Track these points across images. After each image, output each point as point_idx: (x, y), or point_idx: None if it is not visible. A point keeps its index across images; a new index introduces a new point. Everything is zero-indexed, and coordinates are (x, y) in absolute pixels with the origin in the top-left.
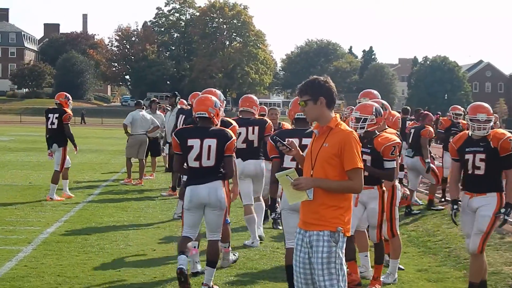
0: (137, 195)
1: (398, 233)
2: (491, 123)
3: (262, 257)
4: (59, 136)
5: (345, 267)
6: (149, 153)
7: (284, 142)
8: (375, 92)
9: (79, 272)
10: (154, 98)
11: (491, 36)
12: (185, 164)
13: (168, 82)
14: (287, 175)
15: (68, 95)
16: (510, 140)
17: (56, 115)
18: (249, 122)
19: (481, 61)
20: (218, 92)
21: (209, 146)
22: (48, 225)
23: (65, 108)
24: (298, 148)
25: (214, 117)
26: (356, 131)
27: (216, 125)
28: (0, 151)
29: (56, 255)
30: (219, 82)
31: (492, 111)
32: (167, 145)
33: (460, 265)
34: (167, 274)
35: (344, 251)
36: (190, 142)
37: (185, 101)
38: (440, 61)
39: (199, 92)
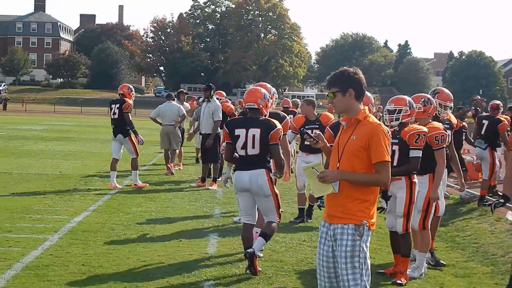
0: (165, 186)
1: (429, 226)
2: None
3: (288, 250)
4: (121, 126)
5: (369, 261)
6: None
7: (312, 135)
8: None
9: (104, 261)
10: (182, 89)
11: None
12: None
13: (202, 74)
14: (313, 168)
15: (131, 86)
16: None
17: (117, 105)
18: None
19: None
20: (269, 85)
21: (253, 136)
22: (75, 214)
23: (127, 98)
24: (325, 140)
25: (263, 108)
26: (390, 123)
27: (265, 115)
28: (33, 140)
29: (82, 245)
30: (253, 74)
31: None
32: (200, 136)
33: (488, 260)
34: (191, 265)
35: (368, 244)
36: (237, 131)
37: (223, 92)
38: (476, 56)
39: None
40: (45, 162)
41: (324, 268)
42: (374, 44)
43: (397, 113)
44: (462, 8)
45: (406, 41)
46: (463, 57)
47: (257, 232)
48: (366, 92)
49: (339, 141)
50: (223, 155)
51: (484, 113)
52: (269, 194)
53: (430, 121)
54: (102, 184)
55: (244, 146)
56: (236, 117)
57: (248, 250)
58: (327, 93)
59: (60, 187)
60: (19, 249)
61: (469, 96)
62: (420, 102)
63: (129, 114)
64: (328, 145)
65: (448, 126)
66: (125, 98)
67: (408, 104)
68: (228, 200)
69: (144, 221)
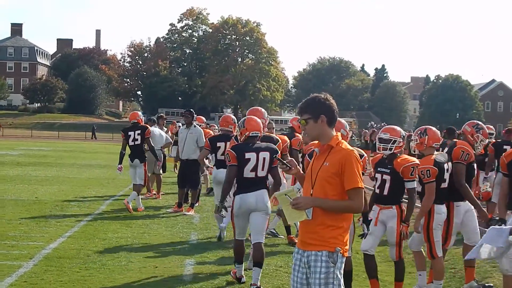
0: (142, 212)
1: (439, 255)
2: None
3: (265, 276)
4: (141, 152)
5: None
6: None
7: (285, 162)
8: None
9: None
10: (162, 114)
11: (504, 56)
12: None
13: (179, 98)
14: (286, 194)
15: (140, 113)
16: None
17: (138, 131)
18: (229, 139)
19: (493, 81)
20: (263, 110)
21: (264, 158)
22: (51, 241)
23: (145, 125)
24: (298, 166)
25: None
26: (382, 151)
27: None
28: (9, 165)
29: (57, 271)
30: (231, 98)
31: None
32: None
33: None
34: None
35: (342, 271)
36: (248, 155)
37: (203, 118)
38: (452, 80)
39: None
40: (21, 188)
41: None
42: (351, 68)
43: (391, 143)
44: (438, 32)
45: (383, 65)
46: (440, 81)
47: None
48: (339, 118)
49: (312, 168)
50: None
51: (494, 140)
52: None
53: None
54: (78, 210)
55: (254, 169)
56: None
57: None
58: (299, 120)
59: (36, 213)
60: None
61: (446, 120)
62: (417, 134)
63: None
64: (301, 172)
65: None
66: (144, 125)
67: (401, 136)
68: (204, 226)
69: (120, 247)
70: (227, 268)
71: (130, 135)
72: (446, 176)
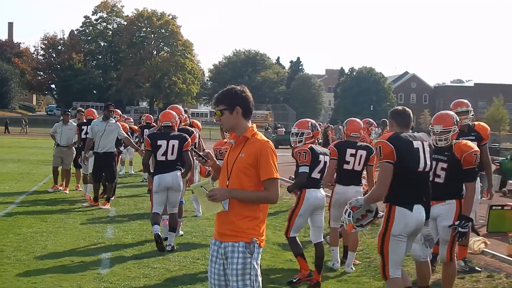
0: (57, 206)
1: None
2: (450, 134)
3: (182, 268)
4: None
5: (260, 278)
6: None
7: (200, 153)
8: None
9: None
10: (80, 108)
11: (416, 48)
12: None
13: (94, 91)
14: (202, 186)
15: (94, 110)
16: (474, 154)
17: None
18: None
19: (406, 73)
20: (181, 108)
21: (173, 145)
22: None
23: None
24: (214, 158)
25: (174, 125)
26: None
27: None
28: None
29: None
30: (146, 91)
31: (454, 120)
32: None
33: (380, 275)
34: (84, 286)
35: (259, 262)
36: (159, 142)
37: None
38: (366, 72)
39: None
40: None
41: (215, 286)
42: (267, 61)
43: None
44: (352, 25)
45: (298, 58)
46: (354, 73)
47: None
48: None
49: (228, 159)
50: None
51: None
52: (181, 189)
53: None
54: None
55: (165, 153)
56: (156, 131)
57: (157, 232)
58: (215, 111)
59: None
60: None
61: (360, 112)
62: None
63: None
64: (217, 163)
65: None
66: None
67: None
68: (121, 219)
69: (36, 242)
70: (144, 262)
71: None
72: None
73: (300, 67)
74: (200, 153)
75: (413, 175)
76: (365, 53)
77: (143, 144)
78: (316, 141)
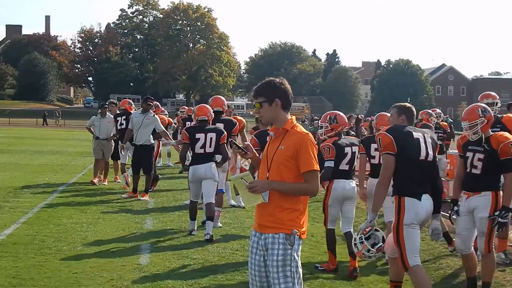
0: (97, 197)
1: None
2: (478, 127)
3: (221, 259)
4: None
5: (300, 270)
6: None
7: (240, 146)
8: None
9: (35, 274)
10: (112, 100)
11: (454, 40)
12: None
13: (131, 84)
14: (242, 178)
15: (130, 101)
16: (511, 144)
17: (125, 117)
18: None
19: (443, 65)
20: (223, 98)
21: (211, 138)
22: (5, 227)
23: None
24: (254, 150)
25: (210, 119)
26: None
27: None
28: None
29: (12, 257)
30: (183, 84)
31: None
32: (132, 147)
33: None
34: (124, 276)
35: (300, 253)
36: (198, 135)
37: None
38: (403, 64)
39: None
40: None
41: (256, 277)
42: (303, 54)
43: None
44: (389, 16)
45: (334, 50)
46: (391, 65)
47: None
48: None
49: (268, 151)
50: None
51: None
52: (217, 180)
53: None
54: (31, 196)
55: (203, 146)
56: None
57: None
58: (254, 103)
59: None
60: None
61: None
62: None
63: None
64: (257, 155)
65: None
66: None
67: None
68: (159, 210)
69: (76, 233)
70: (183, 253)
71: (117, 120)
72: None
73: (336, 60)
74: (240, 146)
75: (417, 164)
76: (401, 45)
77: (180, 135)
78: (346, 131)
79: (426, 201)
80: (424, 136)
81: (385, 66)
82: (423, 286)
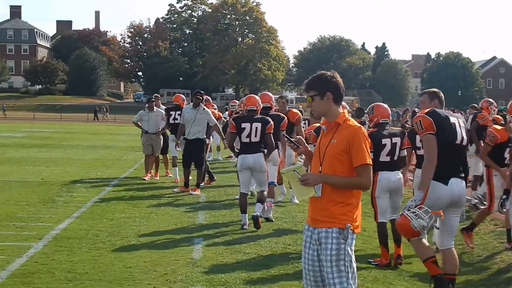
0: (149, 192)
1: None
2: None
3: (273, 254)
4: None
5: (354, 264)
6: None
7: (292, 139)
8: None
9: (89, 268)
10: (157, 95)
11: (505, 33)
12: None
13: (180, 79)
14: (294, 171)
15: (183, 96)
16: None
17: (178, 112)
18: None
19: (494, 58)
20: (271, 94)
21: (256, 128)
22: (59, 221)
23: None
24: (306, 144)
25: (258, 109)
26: None
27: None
28: (13, 147)
29: (66, 251)
30: (232, 78)
31: None
32: (183, 142)
33: (474, 262)
34: (177, 270)
35: (353, 248)
36: (243, 125)
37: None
38: (453, 57)
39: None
40: (27, 169)
41: (310, 272)
42: (352, 47)
43: None
44: (438, 9)
45: (384, 43)
46: (441, 58)
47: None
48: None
49: (320, 145)
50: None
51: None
52: (265, 170)
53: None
54: (84, 191)
55: (249, 136)
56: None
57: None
58: (305, 97)
59: (42, 194)
60: (4, 257)
61: (447, 98)
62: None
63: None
64: (309, 149)
65: None
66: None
67: None
68: (211, 205)
69: (128, 227)
70: (236, 247)
71: (171, 114)
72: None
73: (385, 53)
74: (291, 139)
75: (452, 148)
76: (451, 37)
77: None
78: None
79: (455, 184)
80: (458, 121)
81: (435, 59)
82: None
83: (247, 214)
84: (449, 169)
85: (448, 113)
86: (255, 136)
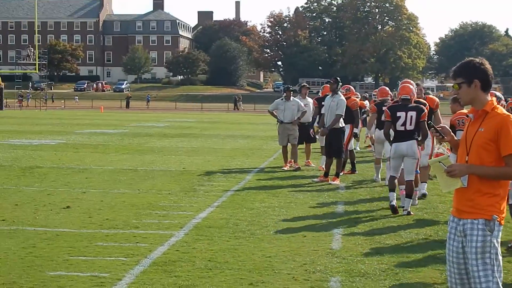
0: (288, 181)
1: None
2: None
3: (414, 245)
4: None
5: (500, 257)
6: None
7: (438, 129)
8: None
9: (229, 257)
10: (304, 84)
11: None
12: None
13: (319, 68)
14: (440, 162)
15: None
16: None
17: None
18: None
19: None
20: (412, 82)
21: (411, 116)
22: (200, 210)
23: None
24: (451, 133)
25: (412, 98)
26: None
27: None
28: (156, 137)
29: (207, 240)
30: (371, 67)
31: None
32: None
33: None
34: (316, 261)
35: (499, 240)
36: (399, 113)
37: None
38: None
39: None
40: (169, 159)
41: (454, 264)
42: (495, 33)
43: None
44: None
45: None
46: None
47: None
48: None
49: (467, 134)
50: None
51: None
52: (418, 157)
53: None
54: (224, 180)
55: (404, 124)
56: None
57: (392, 204)
58: (452, 84)
59: (184, 183)
60: (147, 245)
61: None
62: None
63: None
64: (455, 138)
65: None
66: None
67: None
68: (351, 195)
69: (268, 217)
70: (376, 238)
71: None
72: None
73: None
74: (437, 128)
75: None
76: None
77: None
78: None
79: None
80: None
81: None
82: None
83: (394, 193)
84: None
85: None
86: (410, 124)
